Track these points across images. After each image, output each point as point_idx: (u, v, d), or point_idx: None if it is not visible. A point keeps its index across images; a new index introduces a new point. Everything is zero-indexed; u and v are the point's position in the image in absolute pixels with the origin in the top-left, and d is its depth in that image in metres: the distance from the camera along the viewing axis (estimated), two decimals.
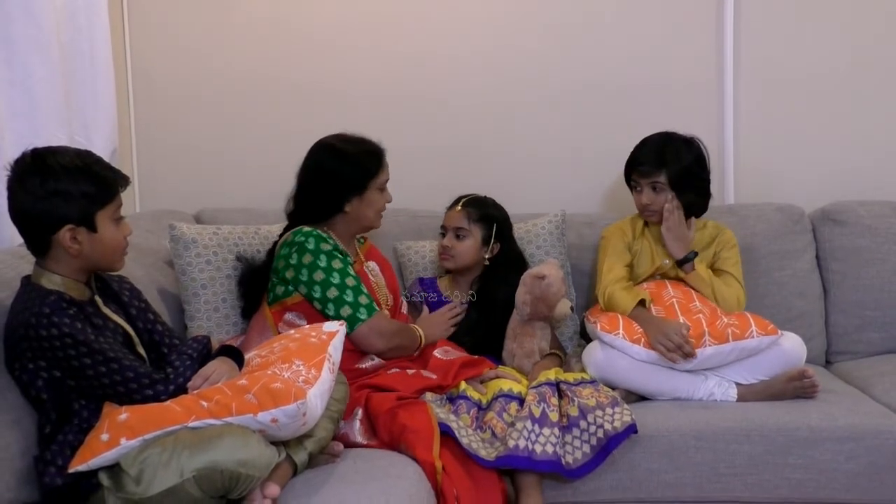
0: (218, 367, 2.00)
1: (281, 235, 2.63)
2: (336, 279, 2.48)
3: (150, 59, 3.31)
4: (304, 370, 1.97)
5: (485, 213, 2.86)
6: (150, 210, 3.17)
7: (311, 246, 2.50)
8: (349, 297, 2.47)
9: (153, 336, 2.15)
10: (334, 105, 3.27)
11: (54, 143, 2.06)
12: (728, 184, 3.33)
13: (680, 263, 2.79)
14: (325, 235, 2.54)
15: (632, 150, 2.88)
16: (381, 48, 3.32)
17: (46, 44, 2.58)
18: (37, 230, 1.94)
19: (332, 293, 2.47)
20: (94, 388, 1.91)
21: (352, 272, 2.52)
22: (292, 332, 2.24)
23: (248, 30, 3.31)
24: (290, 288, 2.52)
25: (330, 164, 2.57)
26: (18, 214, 1.94)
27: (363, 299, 2.49)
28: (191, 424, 1.82)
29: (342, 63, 3.31)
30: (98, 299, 2.04)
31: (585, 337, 2.88)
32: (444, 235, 2.89)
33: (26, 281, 1.99)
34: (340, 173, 2.55)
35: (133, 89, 3.31)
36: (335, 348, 2.13)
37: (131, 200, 3.25)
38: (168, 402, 1.88)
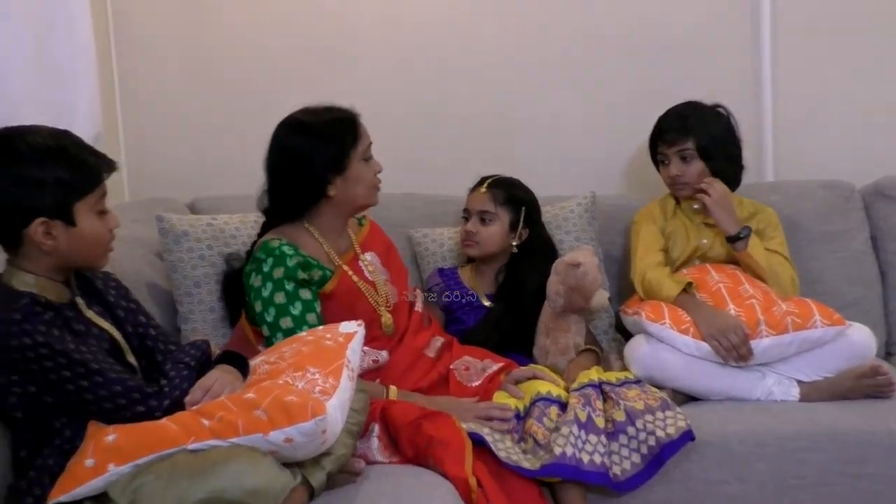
0: (219, 376, 1.77)
1: (259, 235, 2.33)
2: (270, 315, 2.16)
3: (137, 34, 3.05)
4: (320, 379, 1.74)
5: (512, 194, 2.61)
6: (140, 199, 2.92)
7: (266, 268, 2.18)
8: (279, 341, 2.12)
9: (145, 341, 1.91)
10: (339, 82, 3.01)
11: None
12: (766, 159, 3.08)
13: (731, 240, 2.55)
14: (289, 252, 2.20)
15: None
16: (389, 22, 3.08)
17: (17, 18, 2.33)
18: (4, 223, 1.70)
19: (265, 331, 2.18)
20: (77, 404, 1.68)
21: (295, 309, 2.16)
22: (303, 333, 2.00)
23: (244, 3, 3.06)
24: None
25: (298, 144, 2.21)
26: None
27: None
28: (190, 447, 1.60)
29: (348, 38, 3.08)
30: (80, 301, 1.79)
31: (621, 331, 2.66)
32: (467, 220, 2.63)
33: None
34: (313, 153, 2.19)
35: (118, 68, 3.05)
36: (353, 352, 1.90)
37: (120, 188, 3.00)
38: (163, 420, 1.65)
